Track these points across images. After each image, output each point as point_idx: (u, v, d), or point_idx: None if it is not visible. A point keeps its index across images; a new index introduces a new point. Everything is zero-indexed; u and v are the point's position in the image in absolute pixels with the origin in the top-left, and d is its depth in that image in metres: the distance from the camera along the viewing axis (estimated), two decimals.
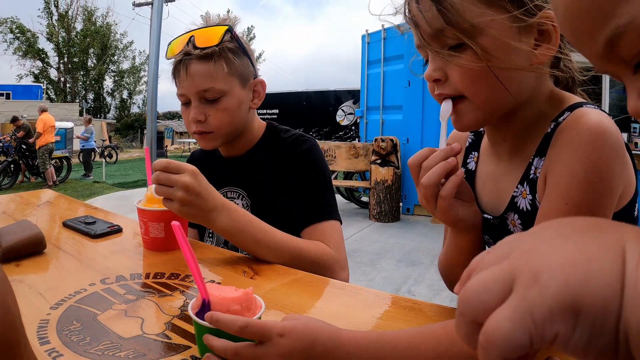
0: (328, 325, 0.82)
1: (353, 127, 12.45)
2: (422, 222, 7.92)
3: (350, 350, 0.78)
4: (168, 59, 1.55)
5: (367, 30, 9.39)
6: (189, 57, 1.46)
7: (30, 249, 1.43)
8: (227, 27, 1.46)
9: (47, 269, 1.36)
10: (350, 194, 9.62)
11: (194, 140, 29.76)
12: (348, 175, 9.37)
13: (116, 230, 1.69)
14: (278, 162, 1.57)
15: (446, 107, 0.97)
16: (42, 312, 1.05)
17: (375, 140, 8.06)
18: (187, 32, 1.50)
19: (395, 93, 8.61)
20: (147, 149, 1.64)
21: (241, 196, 1.62)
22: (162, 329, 0.98)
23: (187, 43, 1.47)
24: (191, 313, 0.82)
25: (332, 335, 0.79)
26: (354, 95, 12.95)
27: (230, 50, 1.48)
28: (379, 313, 1.05)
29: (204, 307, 0.81)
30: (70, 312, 1.05)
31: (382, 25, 8.97)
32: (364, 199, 9.62)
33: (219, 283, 1.22)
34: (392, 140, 7.92)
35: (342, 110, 13.08)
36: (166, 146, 26.22)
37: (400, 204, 8.35)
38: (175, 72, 1.51)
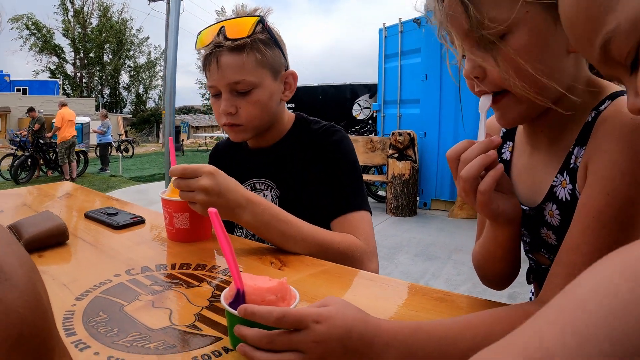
0: (365, 314, 0.80)
1: (370, 121, 12.40)
2: (439, 217, 7.86)
3: (388, 340, 0.76)
4: (197, 50, 1.52)
5: (384, 24, 9.32)
6: (220, 49, 1.43)
7: (53, 239, 1.41)
8: (258, 17, 1.43)
9: (70, 260, 1.34)
10: (367, 188, 9.54)
11: (210, 135, 29.78)
12: (365, 169, 9.30)
13: (139, 222, 1.67)
14: (307, 152, 1.54)
15: (485, 99, 0.94)
16: (66, 304, 1.03)
17: (393, 134, 8.00)
18: (218, 23, 1.46)
19: (413, 87, 8.54)
20: (170, 138, 1.61)
21: (270, 187, 1.59)
22: (191, 320, 0.95)
23: (218, 34, 1.43)
24: (224, 303, 0.80)
25: (370, 324, 0.78)
26: (370, 89, 12.88)
27: (262, 42, 1.44)
28: (410, 304, 1.02)
29: (238, 297, 0.79)
30: (96, 303, 1.03)
31: (399, 19, 8.93)
32: (381, 193, 9.56)
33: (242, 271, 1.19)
34: (409, 134, 7.86)
35: (358, 104, 13.02)
36: (182, 140, 26.30)
37: (417, 198, 8.29)
38: (206, 64, 1.48)
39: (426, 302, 1.03)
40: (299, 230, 1.32)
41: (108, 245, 1.45)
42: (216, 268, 1.24)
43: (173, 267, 1.25)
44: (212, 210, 0.77)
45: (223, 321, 0.94)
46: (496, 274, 1.14)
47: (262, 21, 1.45)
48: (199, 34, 1.52)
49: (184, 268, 1.24)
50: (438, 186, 8.15)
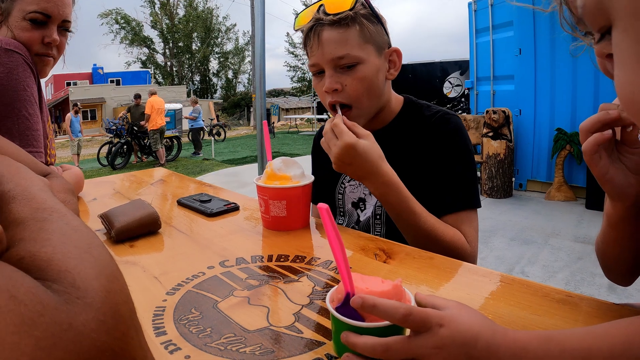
0: (490, 321, 0.71)
1: (463, 99, 12.09)
2: (535, 199, 7.51)
3: (517, 351, 0.66)
4: (296, 30, 1.46)
5: None
6: (321, 24, 1.36)
7: (145, 229, 1.37)
8: None
9: (162, 249, 1.30)
10: None
11: (300, 116, 30.18)
12: None
13: (233, 209, 1.62)
14: (419, 140, 1.45)
15: None
16: (157, 298, 0.98)
17: (487, 112, 7.69)
18: (316, 2, 1.40)
19: (506, 62, 8.16)
20: (265, 122, 1.54)
21: None
22: (290, 320, 0.87)
23: (317, 11, 1.37)
24: (330, 307, 0.70)
25: (496, 332, 0.68)
26: (460, 67, 12.55)
27: (364, 16, 1.36)
28: (530, 306, 0.89)
29: (347, 301, 0.69)
30: (189, 298, 0.98)
31: None
32: None
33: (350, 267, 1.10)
34: (504, 112, 7.53)
35: (449, 82, 12.70)
36: (273, 123, 26.65)
37: (513, 179, 7.95)
38: (307, 41, 1.42)
39: (548, 305, 0.89)
40: (417, 221, 1.27)
41: (201, 234, 1.40)
42: (316, 260, 1.15)
43: (270, 258, 1.18)
44: (322, 206, 0.66)
45: (326, 323, 0.85)
46: (613, 260, 1.00)
47: None
48: (297, 15, 1.47)
49: (282, 260, 1.16)
50: (534, 166, 7.78)
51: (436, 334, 0.65)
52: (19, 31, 1.65)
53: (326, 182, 1.63)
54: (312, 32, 1.38)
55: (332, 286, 0.99)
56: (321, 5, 1.37)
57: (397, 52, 1.45)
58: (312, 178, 1.41)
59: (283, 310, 0.91)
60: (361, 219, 1.54)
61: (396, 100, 1.53)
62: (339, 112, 1.34)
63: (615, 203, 0.89)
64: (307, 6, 1.46)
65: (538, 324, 0.83)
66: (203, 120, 17.45)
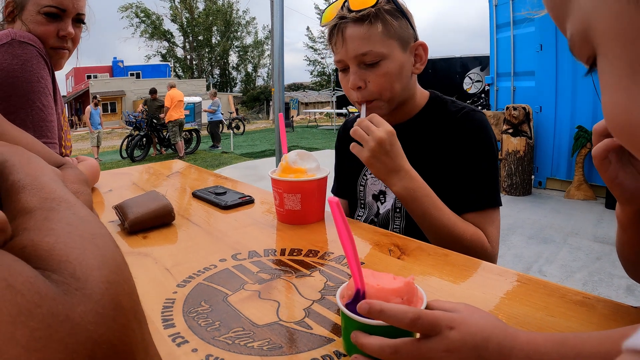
0: (502, 322, 0.69)
1: (483, 95, 11.99)
2: (554, 197, 7.43)
3: (529, 353, 0.65)
4: (323, 26, 1.47)
5: None
6: (345, 21, 1.37)
7: (158, 220, 1.37)
8: None
9: (175, 241, 1.29)
10: None
11: (319, 111, 30.14)
12: None
13: (248, 202, 1.61)
14: (443, 135, 1.44)
15: None
16: (168, 290, 0.98)
17: (507, 108, 7.61)
18: None
19: (527, 58, 8.06)
20: (280, 115, 1.53)
21: None
22: (301, 315, 0.86)
23: (342, 7, 1.38)
24: (340, 304, 0.69)
25: (508, 334, 0.66)
26: (480, 62, 12.45)
27: (387, 12, 1.36)
28: (545, 307, 0.87)
29: (358, 298, 0.67)
30: (199, 291, 0.97)
31: None
32: None
33: (362, 262, 1.08)
34: (524, 108, 7.45)
35: (469, 77, 12.59)
36: (292, 117, 26.67)
37: (532, 176, 7.87)
38: (331, 38, 1.43)
39: (564, 306, 0.87)
40: (440, 218, 1.28)
41: (215, 227, 1.39)
42: (329, 255, 1.14)
43: (282, 252, 1.17)
44: (332, 199, 0.65)
45: (336, 319, 0.84)
46: (631, 262, 0.98)
47: None
48: (322, 11, 1.48)
49: (294, 254, 1.15)
50: (554, 164, 7.70)
51: (447, 337, 0.64)
52: (34, 25, 1.66)
53: (349, 175, 1.65)
54: (336, 29, 1.38)
55: (344, 282, 0.97)
56: (345, 1, 1.37)
57: (423, 46, 1.45)
58: (328, 171, 1.40)
59: (294, 305, 0.90)
60: (381, 211, 1.54)
61: (421, 94, 1.53)
62: (364, 110, 1.35)
63: (625, 207, 0.88)
64: (332, 2, 1.46)
65: (553, 325, 0.81)
66: (222, 114, 17.49)
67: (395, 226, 1.49)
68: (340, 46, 1.38)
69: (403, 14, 1.39)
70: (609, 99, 0.42)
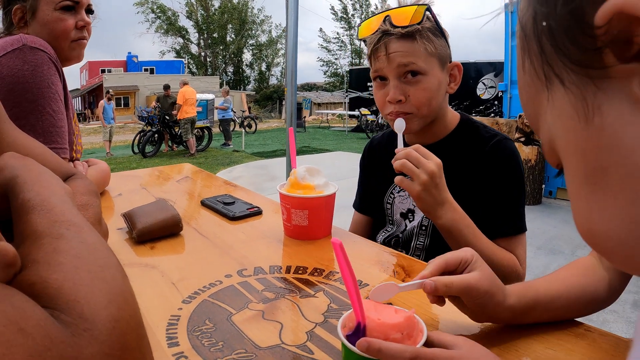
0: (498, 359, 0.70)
1: (496, 102, 11.96)
2: (564, 207, 7.38)
3: None
4: (360, 39, 1.49)
5: None
6: (390, 35, 1.38)
7: (166, 231, 1.38)
8: (426, 5, 1.37)
9: (182, 252, 1.31)
10: None
11: (332, 112, 30.01)
12: None
13: (256, 213, 1.61)
14: (474, 160, 1.45)
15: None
16: (174, 306, 0.98)
17: (520, 116, 7.58)
18: (381, 12, 1.42)
19: None
20: (291, 129, 1.53)
21: None
22: (303, 339, 0.86)
23: (384, 22, 1.39)
24: (341, 335, 0.69)
25: None
26: (495, 68, 12.42)
27: (429, 30, 1.38)
28: (547, 340, 0.86)
29: (358, 331, 0.68)
30: (204, 308, 0.98)
31: None
32: None
33: (366, 284, 1.09)
34: None
35: (483, 83, 12.56)
36: (304, 117, 26.66)
37: (543, 186, 7.85)
38: (374, 51, 1.43)
39: (565, 339, 0.87)
40: (480, 246, 1.27)
41: (222, 239, 1.40)
42: (334, 275, 1.14)
43: (288, 270, 1.17)
44: (336, 241, 0.65)
45: (337, 344, 0.84)
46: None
47: (429, 10, 1.38)
48: (359, 25, 1.49)
49: (300, 272, 1.16)
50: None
51: None
52: (55, 23, 1.70)
53: (376, 192, 1.64)
54: (381, 42, 1.39)
55: (347, 304, 0.98)
56: (387, 16, 1.38)
57: (459, 67, 1.47)
58: (337, 188, 1.40)
59: (296, 328, 0.91)
60: (407, 228, 1.54)
61: (453, 116, 1.53)
62: (401, 140, 1.33)
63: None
64: (371, 16, 1.47)
65: (552, 359, 0.81)
66: (234, 112, 17.50)
67: (418, 242, 1.50)
68: (383, 59, 1.39)
69: (442, 33, 1.41)
70: (574, 207, 0.44)
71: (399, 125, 1.33)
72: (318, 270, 1.16)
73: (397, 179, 1.25)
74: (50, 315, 0.39)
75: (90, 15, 1.85)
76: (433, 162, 1.22)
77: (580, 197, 0.42)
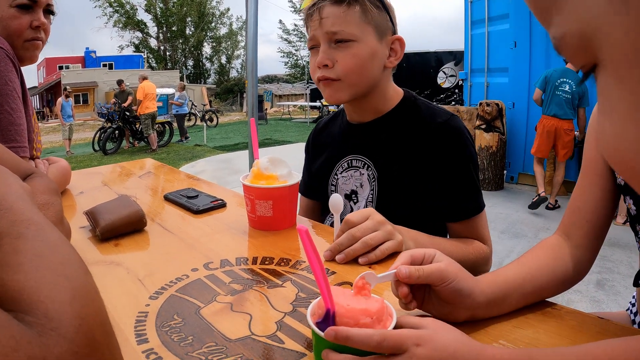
0: (468, 338, 0.71)
1: (456, 90, 12.06)
2: (526, 192, 7.50)
3: None
4: (304, 10, 1.44)
5: None
6: (324, 2, 1.35)
7: (130, 227, 1.36)
8: None
9: (147, 248, 1.29)
10: None
11: (293, 103, 30.01)
12: None
13: (220, 205, 1.60)
14: (415, 137, 1.41)
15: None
16: (141, 303, 0.97)
17: (480, 104, 7.68)
18: None
19: (501, 55, 8.13)
20: (252, 120, 1.52)
21: (367, 166, 1.47)
22: (272, 329, 0.86)
23: None
24: (311, 323, 0.69)
25: (474, 349, 0.68)
26: (455, 57, 12.51)
27: (369, 0, 1.35)
28: (515, 319, 0.88)
29: (328, 318, 0.68)
30: (171, 303, 0.96)
31: None
32: None
33: (333, 272, 1.09)
34: (497, 104, 7.52)
35: (443, 72, 12.64)
36: (266, 109, 26.58)
37: (505, 171, 7.97)
38: (307, 17, 1.41)
39: (531, 316, 0.89)
40: (461, 255, 1.30)
41: (187, 233, 1.38)
42: (301, 264, 1.14)
43: (254, 261, 1.17)
44: (302, 227, 0.65)
45: (307, 332, 0.84)
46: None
47: None
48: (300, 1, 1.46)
49: (266, 263, 1.15)
50: (526, 160, 7.77)
51: (414, 355, 0.65)
52: (9, 20, 1.65)
53: (319, 175, 1.61)
54: (314, 7, 1.36)
55: (314, 292, 0.98)
56: None
57: (400, 41, 1.42)
58: (299, 177, 1.39)
59: (266, 318, 0.90)
60: (353, 210, 1.51)
61: (395, 92, 1.49)
62: (337, 220, 1.26)
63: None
64: None
65: (521, 337, 0.82)
66: (195, 106, 17.34)
67: None
68: (316, 25, 1.36)
69: (384, 5, 1.38)
70: (613, 129, 0.36)
71: (336, 207, 1.27)
72: (284, 260, 1.16)
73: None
74: (14, 318, 0.38)
75: (51, 17, 1.81)
76: (371, 219, 1.17)
77: (631, 119, 0.34)
